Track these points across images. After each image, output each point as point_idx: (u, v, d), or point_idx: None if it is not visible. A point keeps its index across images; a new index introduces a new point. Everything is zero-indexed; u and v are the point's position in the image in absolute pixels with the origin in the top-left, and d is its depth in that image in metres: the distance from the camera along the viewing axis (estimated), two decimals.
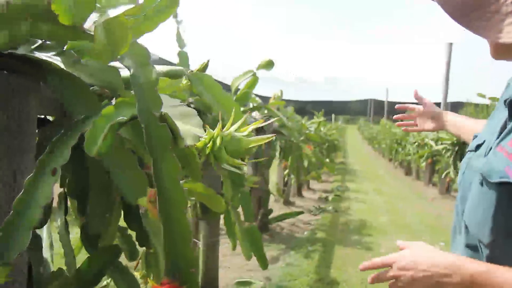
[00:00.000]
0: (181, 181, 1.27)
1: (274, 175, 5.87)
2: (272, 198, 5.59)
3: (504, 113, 0.89)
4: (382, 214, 6.07)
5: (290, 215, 4.72)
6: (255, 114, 3.90)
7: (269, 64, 2.19)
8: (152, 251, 1.21)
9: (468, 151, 0.99)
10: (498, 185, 0.77)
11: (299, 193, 7.12)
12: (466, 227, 0.88)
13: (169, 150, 0.71)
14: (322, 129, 8.55)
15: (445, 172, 7.31)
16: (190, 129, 0.73)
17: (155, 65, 1.24)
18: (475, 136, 1.01)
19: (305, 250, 3.99)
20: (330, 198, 7.16)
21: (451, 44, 10.59)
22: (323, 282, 3.27)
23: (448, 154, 7.18)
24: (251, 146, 0.70)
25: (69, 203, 1.17)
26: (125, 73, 0.88)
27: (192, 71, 1.43)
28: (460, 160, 7.04)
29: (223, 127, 0.74)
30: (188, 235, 0.73)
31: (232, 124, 0.73)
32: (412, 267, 0.83)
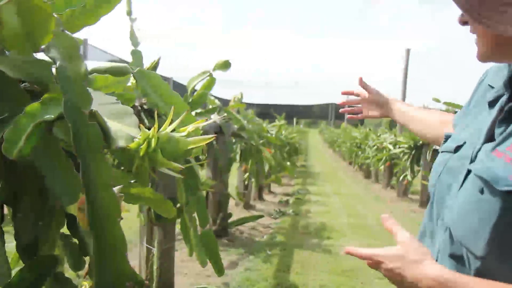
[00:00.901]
0: (127, 185, 1.20)
1: (234, 179, 5.82)
2: (232, 201, 5.53)
3: (489, 114, 0.85)
4: (341, 216, 6.11)
5: (249, 219, 4.68)
6: (214, 116, 3.84)
7: (225, 65, 2.13)
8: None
9: (443, 151, 0.94)
10: (504, 194, 0.70)
11: (260, 197, 7.08)
12: (451, 235, 0.82)
13: (100, 152, 0.64)
14: (283, 132, 8.57)
15: (402, 175, 7.48)
16: (124, 128, 0.66)
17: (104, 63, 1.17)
18: (448, 136, 0.96)
19: (264, 254, 3.94)
20: (290, 201, 7.17)
21: (408, 50, 10.89)
22: (281, 286, 3.24)
23: (406, 157, 7.36)
24: (190, 147, 0.64)
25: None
26: None
27: (139, 68, 1.36)
28: (417, 163, 7.22)
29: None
30: (123, 246, 0.66)
31: (170, 123, 0.67)
32: (400, 269, 0.80)
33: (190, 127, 0.66)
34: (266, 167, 5.97)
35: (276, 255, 3.98)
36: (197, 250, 2.06)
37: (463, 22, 0.80)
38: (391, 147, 8.15)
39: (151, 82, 1.14)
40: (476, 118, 0.91)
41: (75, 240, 1.17)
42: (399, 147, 7.64)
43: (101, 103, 0.73)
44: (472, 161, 0.81)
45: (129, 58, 1.62)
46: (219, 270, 2.07)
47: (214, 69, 2.18)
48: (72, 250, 1.26)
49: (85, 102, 0.64)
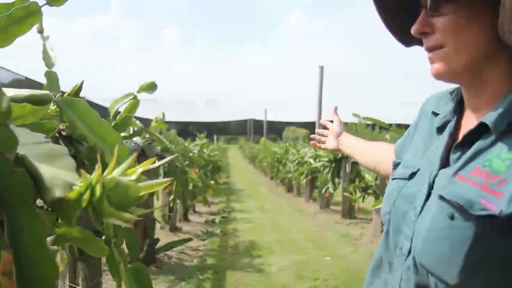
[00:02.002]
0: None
1: (159, 201, 5.61)
2: (158, 225, 5.32)
3: (439, 140, 0.86)
4: (268, 232, 6.11)
5: (177, 243, 4.51)
6: (137, 139, 3.66)
7: (151, 87, 2.02)
8: None
9: (395, 178, 0.92)
10: (477, 218, 0.68)
11: (186, 218, 6.90)
12: (415, 264, 0.78)
13: (31, 204, 0.53)
14: (205, 150, 8.46)
15: (324, 188, 7.67)
16: (59, 174, 0.56)
17: (17, 88, 1.03)
18: (397, 163, 0.96)
19: (196, 279, 3.80)
20: (217, 220, 7.06)
21: (322, 67, 11.35)
22: None
23: (326, 170, 7.56)
24: (142, 193, 0.55)
25: None
26: None
27: (62, 94, 1.23)
28: (338, 176, 7.45)
29: (104, 166, 0.58)
30: None
31: (115, 165, 0.57)
32: None
33: (140, 169, 0.57)
34: (191, 187, 5.83)
35: (208, 279, 3.85)
36: (128, 286, 1.91)
37: (421, 33, 0.79)
38: (312, 161, 8.36)
39: (77, 111, 1.02)
40: (425, 144, 0.91)
41: None
42: (320, 161, 7.84)
43: (27, 143, 0.62)
44: (430, 186, 0.80)
45: (37, 76, 1.47)
46: None
47: (139, 91, 2.06)
48: None
49: (10, 145, 0.53)
